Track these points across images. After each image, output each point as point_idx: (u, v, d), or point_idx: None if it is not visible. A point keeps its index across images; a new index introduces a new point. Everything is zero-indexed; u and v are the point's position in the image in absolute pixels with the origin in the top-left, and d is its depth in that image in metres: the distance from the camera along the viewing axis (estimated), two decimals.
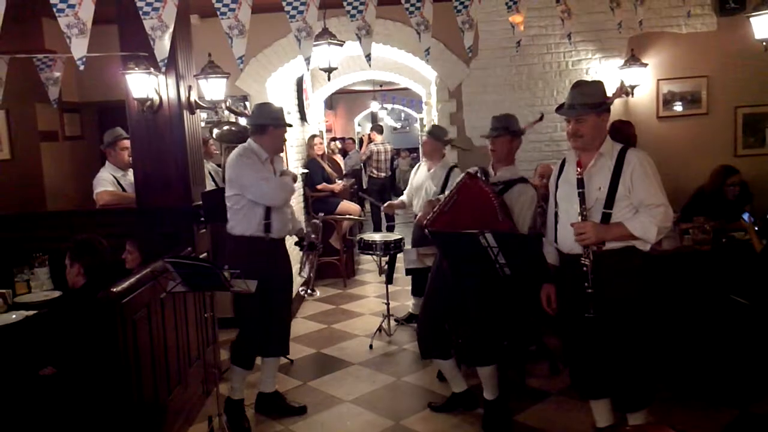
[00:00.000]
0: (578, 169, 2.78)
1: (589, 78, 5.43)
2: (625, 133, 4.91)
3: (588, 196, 2.78)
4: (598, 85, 2.93)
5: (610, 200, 2.77)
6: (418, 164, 5.33)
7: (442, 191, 4.70)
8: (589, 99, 2.81)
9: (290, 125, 3.86)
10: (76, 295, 3.21)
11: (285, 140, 3.76)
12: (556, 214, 2.97)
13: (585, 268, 2.74)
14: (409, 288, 6.00)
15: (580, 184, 2.77)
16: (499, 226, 3.05)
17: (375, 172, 10.42)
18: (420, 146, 5.33)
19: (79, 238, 3.32)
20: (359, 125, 18.75)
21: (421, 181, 5.08)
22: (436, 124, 5.34)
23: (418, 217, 4.87)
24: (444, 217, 3.33)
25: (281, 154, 3.89)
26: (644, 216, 2.72)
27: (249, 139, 3.64)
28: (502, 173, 3.45)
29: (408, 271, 4.65)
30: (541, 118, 4.02)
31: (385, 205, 5.42)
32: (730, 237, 4.22)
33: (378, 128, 11.08)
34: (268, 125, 3.58)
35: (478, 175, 3.45)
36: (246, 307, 3.56)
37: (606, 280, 2.75)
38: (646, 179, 2.74)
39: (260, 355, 3.79)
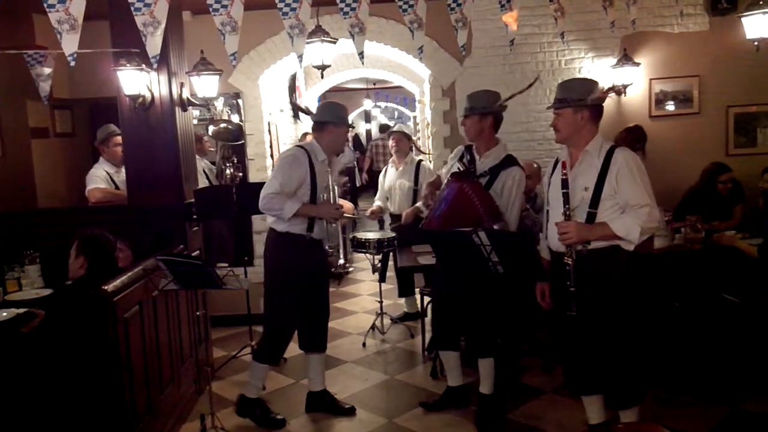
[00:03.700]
0: (563, 169, 2.80)
1: (582, 77, 5.47)
2: (636, 134, 5.02)
3: (574, 195, 2.81)
4: (581, 82, 2.95)
5: (595, 200, 2.79)
6: (384, 168, 5.55)
7: (416, 184, 5.17)
8: (566, 94, 2.85)
9: (352, 126, 3.86)
10: (68, 290, 3.19)
11: (346, 141, 3.82)
12: (547, 212, 2.99)
13: (568, 267, 2.77)
14: None
15: (564, 184, 2.79)
16: (486, 226, 3.09)
17: (375, 164, 11.48)
18: (391, 143, 5.42)
19: (89, 233, 3.27)
20: (353, 123, 18.73)
21: (392, 181, 5.38)
22: (401, 125, 5.72)
23: (415, 207, 4.89)
24: (436, 221, 3.37)
25: (338, 157, 3.84)
26: (628, 216, 2.74)
27: (312, 137, 3.69)
28: (486, 161, 3.45)
29: (398, 270, 4.65)
30: (533, 82, 4.03)
31: (368, 213, 5.53)
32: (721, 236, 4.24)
33: (381, 128, 12.45)
34: (328, 122, 3.53)
35: (464, 160, 3.47)
36: (280, 303, 3.58)
37: (590, 279, 2.77)
38: (631, 179, 2.75)
39: (305, 350, 3.80)
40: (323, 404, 3.81)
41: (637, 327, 2.92)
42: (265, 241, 3.67)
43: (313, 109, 4.09)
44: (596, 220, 2.78)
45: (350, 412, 3.77)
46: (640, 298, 2.92)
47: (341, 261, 4.00)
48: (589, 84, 2.93)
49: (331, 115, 3.56)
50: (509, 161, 3.44)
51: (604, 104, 2.96)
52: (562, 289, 2.83)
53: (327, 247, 3.73)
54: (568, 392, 3.81)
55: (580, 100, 2.83)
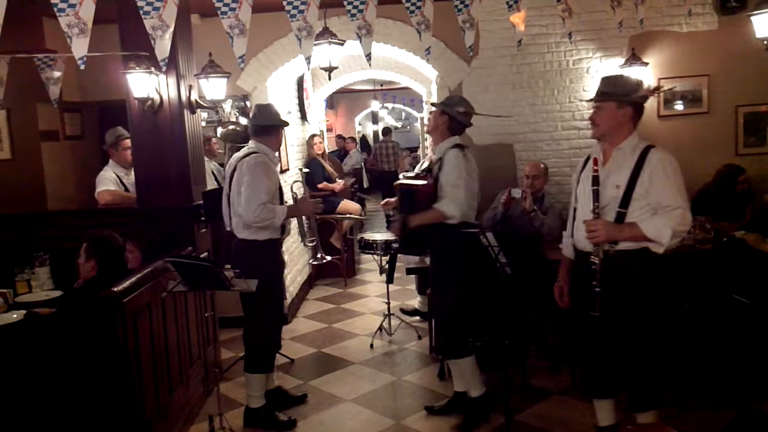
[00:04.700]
0: (594, 166, 2.76)
1: (590, 77, 5.47)
2: None
3: (604, 193, 2.74)
4: (626, 79, 2.86)
5: (626, 199, 2.71)
6: (420, 163, 5.39)
7: None
8: (610, 88, 2.78)
9: (287, 124, 3.88)
10: (79, 292, 3.21)
11: None
12: (574, 209, 2.96)
13: (594, 267, 2.71)
14: (410, 287, 6.02)
15: (595, 181, 2.73)
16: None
17: (379, 165, 11.90)
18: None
19: (97, 234, 3.32)
20: (360, 124, 18.76)
21: None
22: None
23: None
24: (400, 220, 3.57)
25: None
26: (660, 218, 2.66)
27: (255, 143, 3.60)
28: (436, 154, 3.58)
29: (409, 271, 4.66)
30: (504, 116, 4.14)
31: (382, 203, 5.50)
32: (730, 236, 4.22)
33: (384, 130, 13.17)
34: (277, 126, 3.65)
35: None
36: (266, 309, 3.59)
37: (616, 281, 2.72)
38: (665, 180, 2.66)
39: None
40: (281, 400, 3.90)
41: (663, 330, 2.84)
42: (238, 254, 3.57)
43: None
44: (625, 220, 2.71)
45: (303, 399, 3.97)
46: (666, 301, 2.84)
47: (320, 254, 4.31)
48: (635, 81, 2.84)
49: (277, 118, 3.67)
50: (453, 147, 3.51)
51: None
52: (586, 289, 2.76)
53: (305, 243, 3.82)
54: (577, 393, 3.80)
55: (625, 95, 2.75)
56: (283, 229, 3.66)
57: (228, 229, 3.68)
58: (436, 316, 3.64)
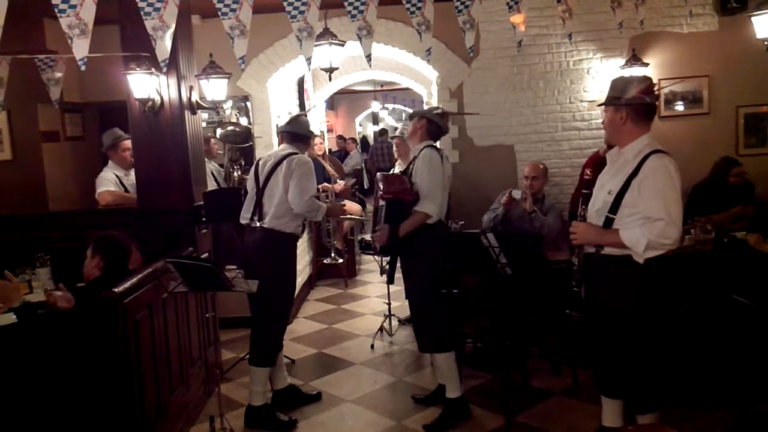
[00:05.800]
0: (588, 170, 2.80)
1: (590, 77, 5.47)
2: None
3: (599, 197, 2.77)
4: (620, 80, 2.82)
5: (615, 205, 2.69)
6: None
7: None
8: (609, 92, 2.78)
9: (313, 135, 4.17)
10: (82, 291, 3.21)
11: None
12: None
13: (574, 267, 2.78)
14: None
15: (586, 184, 2.79)
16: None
17: (377, 164, 12.50)
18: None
19: (106, 234, 3.34)
20: (360, 125, 18.77)
21: None
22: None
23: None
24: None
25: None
26: (640, 227, 2.61)
27: (290, 146, 3.74)
28: (411, 154, 3.70)
29: None
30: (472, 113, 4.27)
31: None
32: (731, 237, 4.22)
33: (380, 131, 13.97)
34: (310, 138, 3.96)
35: None
36: (284, 303, 3.76)
37: (600, 284, 2.75)
38: (653, 189, 2.60)
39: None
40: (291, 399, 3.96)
41: (655, 334, 2.80)
42: (265, 244, 3.64)
43: None
44: (613, 226, 2.69)
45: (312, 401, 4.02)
46: (657, 306, 2.78)
47: (333, 254, 4.91)
48: (627, 81, 2.77)
49: (310, 130, 3.93)
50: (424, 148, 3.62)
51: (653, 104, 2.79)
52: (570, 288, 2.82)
53: (326, 242, 3.97)
54: (579, 394, 3.81)
55: (616, 98, 2.73)
56: (304, 228, 3.90)
57: (244, 222, 3.75)
58: (411, 311, 3.80)
